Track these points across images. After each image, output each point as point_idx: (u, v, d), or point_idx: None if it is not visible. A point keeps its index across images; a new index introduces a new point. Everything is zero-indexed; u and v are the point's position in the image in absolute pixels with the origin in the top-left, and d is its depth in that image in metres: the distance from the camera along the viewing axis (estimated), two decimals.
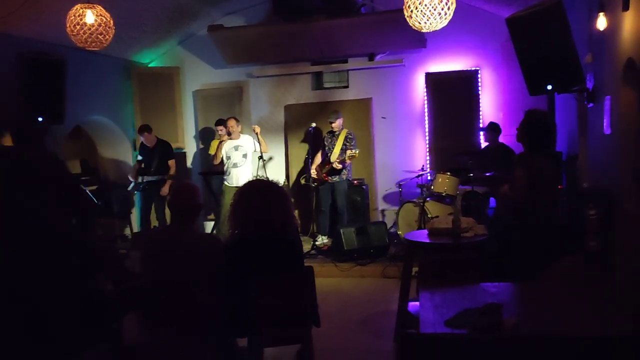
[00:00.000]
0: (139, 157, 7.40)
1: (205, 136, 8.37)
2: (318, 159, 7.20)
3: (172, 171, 7.35)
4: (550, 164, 3.85)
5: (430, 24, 4.10)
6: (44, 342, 2.20)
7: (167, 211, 7.19)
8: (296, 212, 7.19)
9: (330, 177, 6.93)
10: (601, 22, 4.63)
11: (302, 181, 7.45)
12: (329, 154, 7.02)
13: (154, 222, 7.48)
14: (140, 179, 7.26)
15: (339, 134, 7.01)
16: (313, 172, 7.09)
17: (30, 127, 5.26)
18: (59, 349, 2.25)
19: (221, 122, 7.29)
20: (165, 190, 7.17)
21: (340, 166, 6.77)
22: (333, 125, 6.97)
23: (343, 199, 6.98)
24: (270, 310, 3.02)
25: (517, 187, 3.72)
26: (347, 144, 6.92)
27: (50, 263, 2.26)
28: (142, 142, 7.36)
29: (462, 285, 2.92)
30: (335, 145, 6.98)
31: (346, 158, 6.64)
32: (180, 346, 2.92)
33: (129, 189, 7.56)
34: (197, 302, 2.92)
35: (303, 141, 8.04)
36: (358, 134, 7.49)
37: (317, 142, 7.38)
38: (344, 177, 6.96)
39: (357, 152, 6.61)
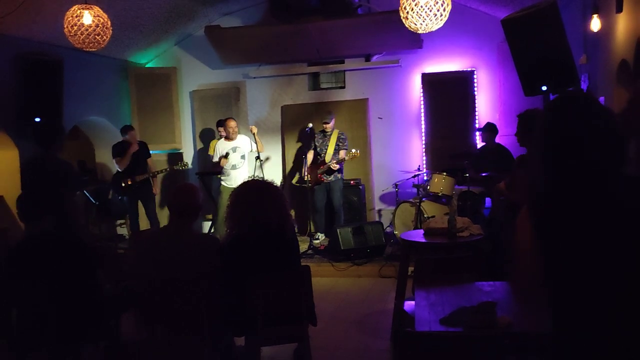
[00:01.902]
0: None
1: (202, 137, 8.38)
2: (310, 159, 7.20)
3: (154, 169, 7.16)
4: None
5: (426, 25, 4.12)
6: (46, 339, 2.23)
7: (159, 210, 7.20)
8: (293, 212, 7.22)
9: (325, 177, 6.96)
10: (595, 24, 4.68)
11: (295, 182, 7.46)
12: (322, 154, 7.05)
13: (145, 221, 7.30)
14: (123, 184, 6.97)
15: (330, 134, 7.04)
16: (305, 174, 6.97)
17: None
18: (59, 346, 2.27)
19: (222, 123, 7.24)
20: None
21: (337, 166, 6.82)
22: (327, 126, 7.01)
23: (339, 197, 7.01)
24: (267, 309, 3.04)
25: (518, 189, 3.70)
26: (340, 144, 6.98)
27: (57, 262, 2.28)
28: (120, 142, 7.04)
29: (458, 284, 2.95)
30: (328, 145, 7.01)
31: (347, 158, 6.68)
32: (177, 345, 2.94)
33: (110, 197, 7.21)
34: (195, 301, 2.94)
35: (300, 141, 8.07)
36: (355, 135, 7.52)
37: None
38: (339, 176, 7.00)
39: (358, 152, 6.68)
